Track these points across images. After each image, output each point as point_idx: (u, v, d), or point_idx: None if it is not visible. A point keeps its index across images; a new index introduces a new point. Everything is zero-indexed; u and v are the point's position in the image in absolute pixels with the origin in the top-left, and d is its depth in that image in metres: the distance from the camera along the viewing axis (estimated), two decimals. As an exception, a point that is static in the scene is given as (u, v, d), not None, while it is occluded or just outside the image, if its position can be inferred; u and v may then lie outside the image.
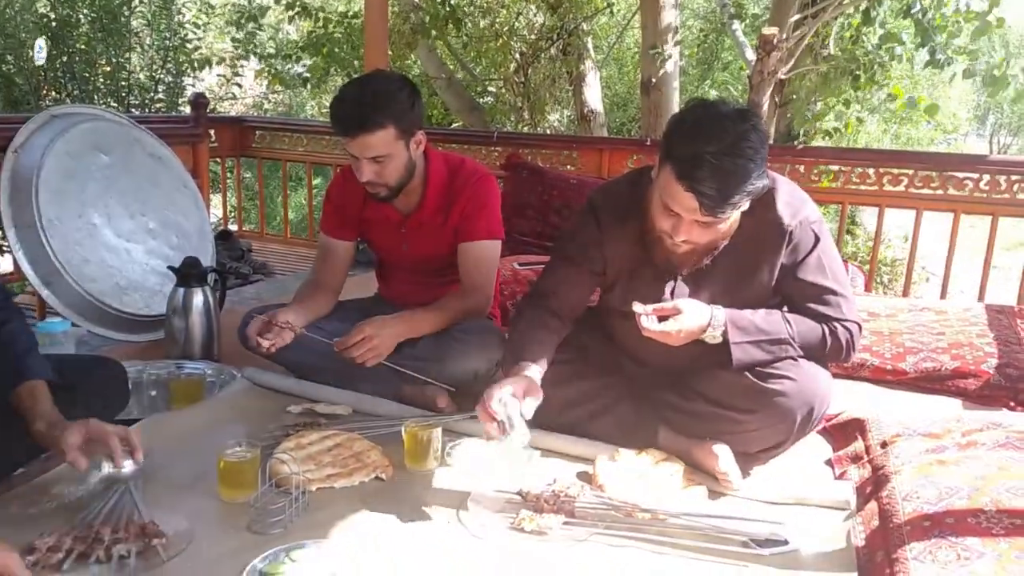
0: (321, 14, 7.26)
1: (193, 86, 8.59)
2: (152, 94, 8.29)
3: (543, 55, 7.98)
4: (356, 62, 7.32)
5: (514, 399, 1.61)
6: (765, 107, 4.61)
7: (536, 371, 1.72)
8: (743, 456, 1.75)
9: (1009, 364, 2.25)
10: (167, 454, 1.78)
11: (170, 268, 2.55)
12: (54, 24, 7.59)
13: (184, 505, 1.57)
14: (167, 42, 8.36)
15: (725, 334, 1.70)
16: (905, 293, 3.72)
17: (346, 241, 2.30)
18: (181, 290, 2.47)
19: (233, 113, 9.29)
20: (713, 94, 8.74)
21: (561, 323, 1.87)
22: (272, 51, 8.70)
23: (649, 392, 1.90)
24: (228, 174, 5.66)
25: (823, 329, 1.75)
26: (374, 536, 1.50)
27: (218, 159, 5.04)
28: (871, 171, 3.54)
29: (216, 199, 6.97)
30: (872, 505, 1.56)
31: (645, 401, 1.89)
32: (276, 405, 2.10)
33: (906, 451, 1.70)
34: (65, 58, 7.74)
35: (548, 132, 8.54)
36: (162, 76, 8.36)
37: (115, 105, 7.67)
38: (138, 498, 1.54)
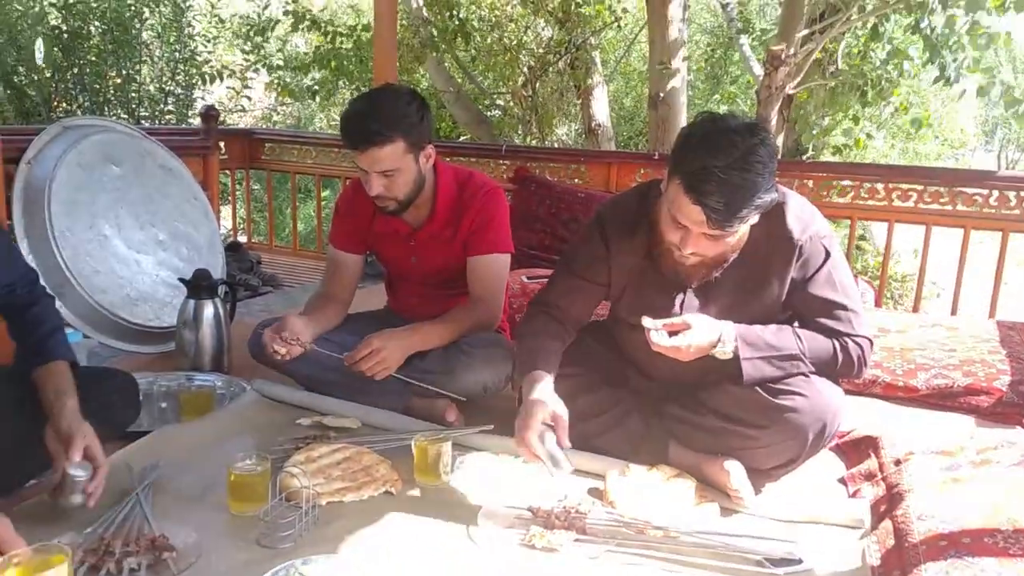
0: (330, 28, 7.31)
1: (203, 98, 8.64)
2: (162, 106, 8.34)
3: (551, 69, 8.01)
4: (365, 75, 7.36)
5: (550, 432, 1.63)
6: (773, 122, 4.61)
7: (551, 381, 1.73)
8: (755, 473, 1.74)
9: (1023, 381, 2.23)
10: (177, 466, 1.78)
11: (181, 280, 2.55)
12: (66, 36, 7.65)
13: (193, 517, 1.57)
14: (177, 54, 8.42)
15: (736, 349, 1.69)
16: (915, 309, 3.70)
17: (355, 254, 2.30)
18: (192, 302, 2.48)
19: (242, 125, 9.34)
20: (723, 108, 8.76)
21: (567, 332, 1.89)
22: (281, 64, 8.75)
23: (659, 406, 1.89)
24: (237, 186, 5.69)
25: (834, 344, 1.74)
26: (384, 550, 1.49)
27: (227, 171, 5.07)
28: (880, 186, 3.54)
29: (225, 211, 7.00)
30: (887, 524, 1.55)
31: (654, 415, 1.88)
32: (285, 417, 2.10)
33: (920, 469, 1.69)
34: (76, 69, 7.79)
35: (556, 145, 8.56)
36: (172, 88, 8.41)
37: (125, 116, 7.72)
38: (148, 510, 1.54)
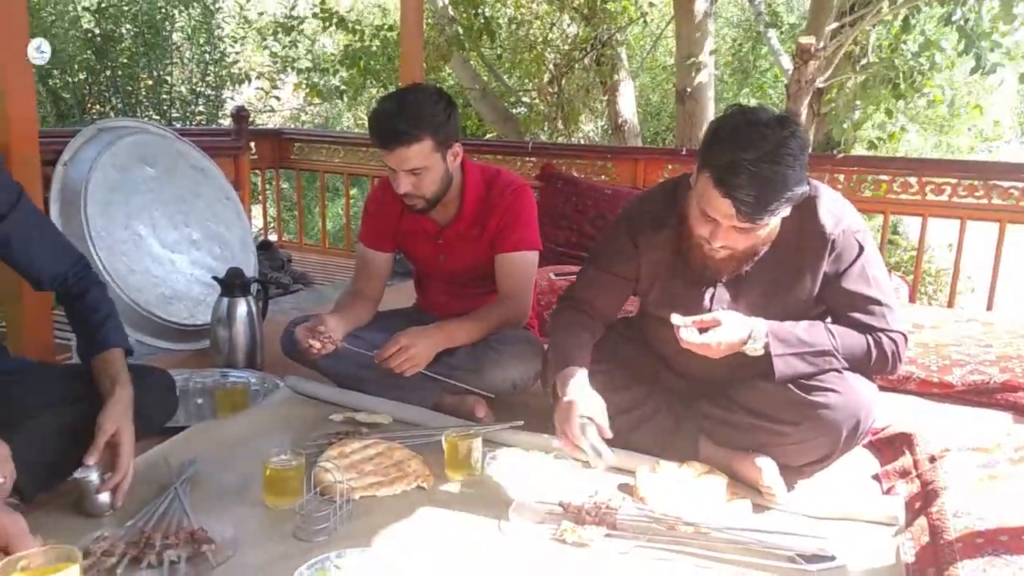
0: (357, 27, 7.36)
1: (232, 99, 8.76)
2: (193, 107, 8.47)
3: (577, 65, 8.00)
4: (392, 74, 7.40)
5: (591, 425, 1.64)
6: (803, 116, 4.56)
7: (585, 374, 1.74)
8: (787, 470, 1.73)
9: (1061, 377, 2.19)
10: (214, 461, 1.81)
11: (214, 278, 2.59)
12: (98, 39, 7.79)
13: (230, 511, 1.59)
14: (207, 56, 8.55)
15: (767, 346, 1.68)
16: (950, 304, 3.64)
17: (384, 252, 2.32)
18: (225, 300, 2.52)
19: (271, 125, 9.45)
20: (752, 102, 8.68)
21: (597, 326, 1.91)
22: (309, 64, 8.83)
23: (689, 402, 1.89)
24: (267, 185, 5.75)
25: (868, 340, 1.73)
26: (417, 544, 1.51)
27: (257, 171, 5.12)
28: (913, 180, 3.48)
29: (256, 210, 7.09)
30: (921, 521, 1.53)
31: (685, 411, 1.88)
32: (318, 413, 2.13)
33: (956, 466, 1.66)
34: (109, 72, 7.94)
35: (582, 142, 8.54)
36: (202, 89, 8.54)
37: (157, 118, 7.85)
38: (186, 504, 1.57)
